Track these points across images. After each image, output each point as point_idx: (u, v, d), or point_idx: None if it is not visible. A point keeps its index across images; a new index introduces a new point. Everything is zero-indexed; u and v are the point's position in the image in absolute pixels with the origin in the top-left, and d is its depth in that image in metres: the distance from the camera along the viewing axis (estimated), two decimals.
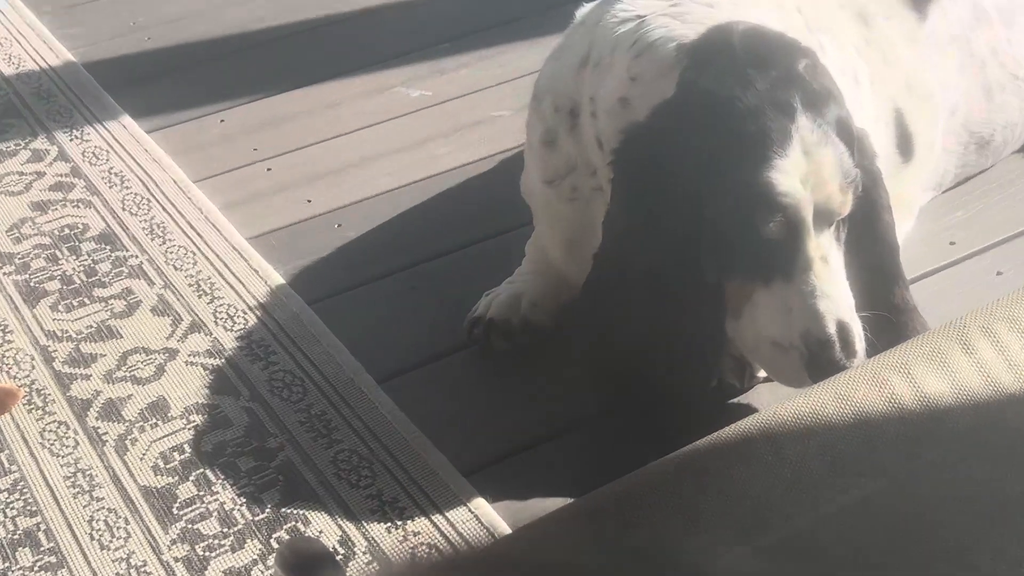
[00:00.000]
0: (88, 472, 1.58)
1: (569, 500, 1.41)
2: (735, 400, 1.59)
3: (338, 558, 1.43)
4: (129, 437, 1.63)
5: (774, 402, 1.27)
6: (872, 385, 1.23)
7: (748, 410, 1.45)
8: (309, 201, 2.12)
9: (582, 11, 1.72)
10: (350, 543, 1.45)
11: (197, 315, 1.85)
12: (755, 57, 1.41)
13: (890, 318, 1.53)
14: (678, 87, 1.44)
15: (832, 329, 1.41)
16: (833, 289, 1.42)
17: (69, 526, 1.50)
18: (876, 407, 1.20)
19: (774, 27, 1.48)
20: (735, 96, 1.39)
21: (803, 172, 1.38)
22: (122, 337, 1.81)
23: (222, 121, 2.38)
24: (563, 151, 1.63)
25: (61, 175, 2.21)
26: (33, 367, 1.75)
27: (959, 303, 1.65)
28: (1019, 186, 2.00)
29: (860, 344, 1.43)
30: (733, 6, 1.51)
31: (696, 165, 1.41)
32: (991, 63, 1.91)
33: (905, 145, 1.81)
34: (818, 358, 1.40)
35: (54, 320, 1.85)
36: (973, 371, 1.24)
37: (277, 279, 1.92)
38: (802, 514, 1.12)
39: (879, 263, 1.55)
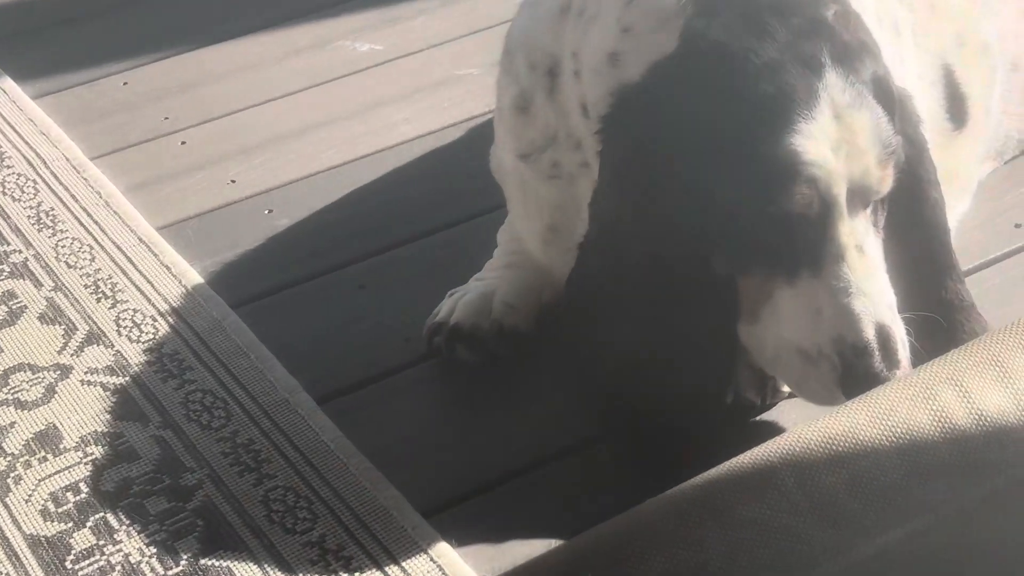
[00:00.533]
0: None
1: (551, 544, 1.41)
2: (754, 420, 1.60)
3: None
4: (12, 475, 1.62)
5: (801, 422, 1.27)
6: (918, 402, 1.23)
7: (770, 432, 1.45)
8: (233, 181, 2.13)
9: None
10: None
11: (95, 323, 1.84)
12: (774, 2, 1.42)
13: (940, 319, 1.54)
14: (681, 39, 1.44)
15: (870, 334, 1.41)
16: (871, 285, 1.42)
17: None
18: (923, 428, 1.21)
19: None
20: (750, 49, 1.39)
21: (834, 139, 1.38)
22: (2, 351, 1.80)
23: (125, 84, 2.38)
24: (540, 119, 1.64)
25: None
26: None
27: None
28: None
29: (904, 352, 1.43)
30: None
31: (703, 134, 1.41)
32: None
33: (957, 109, 1.83)
34: (853, 369, 1.40)
35: None
36: None
37: (195, 278, 1.91)
38: (832, 560, 1.13)
39: (926, 252, 1.56)
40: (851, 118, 1.39)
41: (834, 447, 1.19)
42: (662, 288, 1.48)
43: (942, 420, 1.22)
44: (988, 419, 1.22)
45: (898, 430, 1.21)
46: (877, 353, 1.40)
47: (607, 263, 1.53)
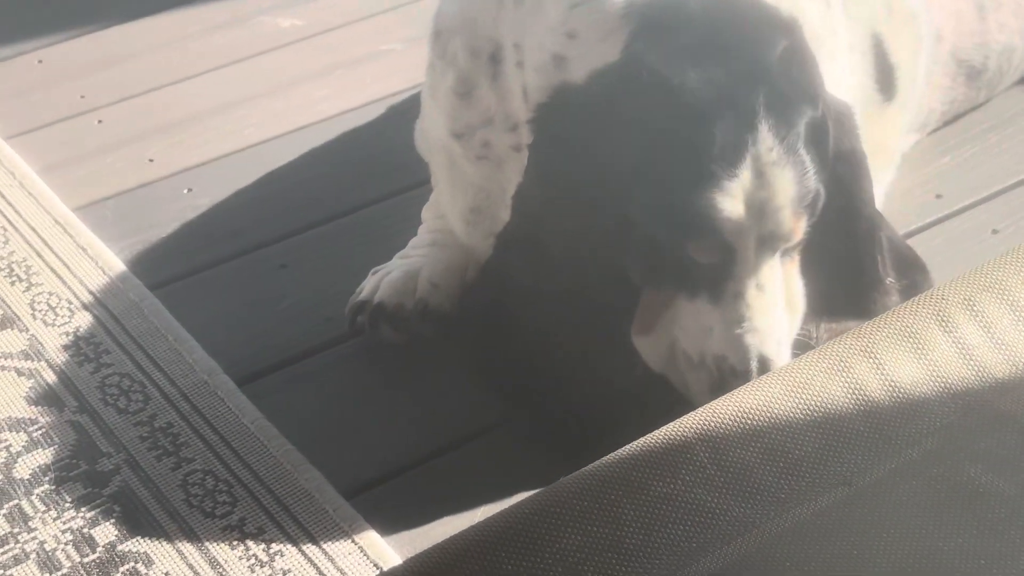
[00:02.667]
0: None
1: (472, 522, 1.41)
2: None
3: None
4: None
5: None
6: (832, 374, 1.25)
7: (685, 407, 1.47)
8: (151, 160, 2.11)
9: None
10: None
11: (9, 307, 1.83)
12: (719, 34, 1.43)
13: None
14: (623, 54, 1.45)
15: (752, 365, 1.45)
16: (763, 321, 1.46)
17: None
18: (837, 400, 1.22)
19: None
20: (687, 86, 1.39)
21: (752, 196, 1.40)
22: None
23: (40, 62, 2.36)
24: (481, 103, 1.64)
25: None
26: None
27: (946, 269, 1.67)
28: (1018, 125, 2.05)
29: None
30: None
31: (633, 154, 1.43)
32: None
33: (886, 80, 1.83)
34: (728, 385, 1.43)
35: None
36: (953, 353, 1.27)
37: (112, 259, 1.90)
38: (747, 532, 1.14)
39: (857, 265, 1.58)
40: (773, 176, 1.40)
41: (748, 421, 1.20)
42: (576, 286, 1.51)
43: (856, 392, 1.23)
44: (902, 390, 1.24)
45: (812, 402, 1.22)
46: (750, 379, 1.42)
47: (523, 257, 1.56)
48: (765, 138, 1.39)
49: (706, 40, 1.42)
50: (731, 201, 1.39)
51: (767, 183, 1.40)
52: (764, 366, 1.44)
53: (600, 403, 1.54)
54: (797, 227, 1.44)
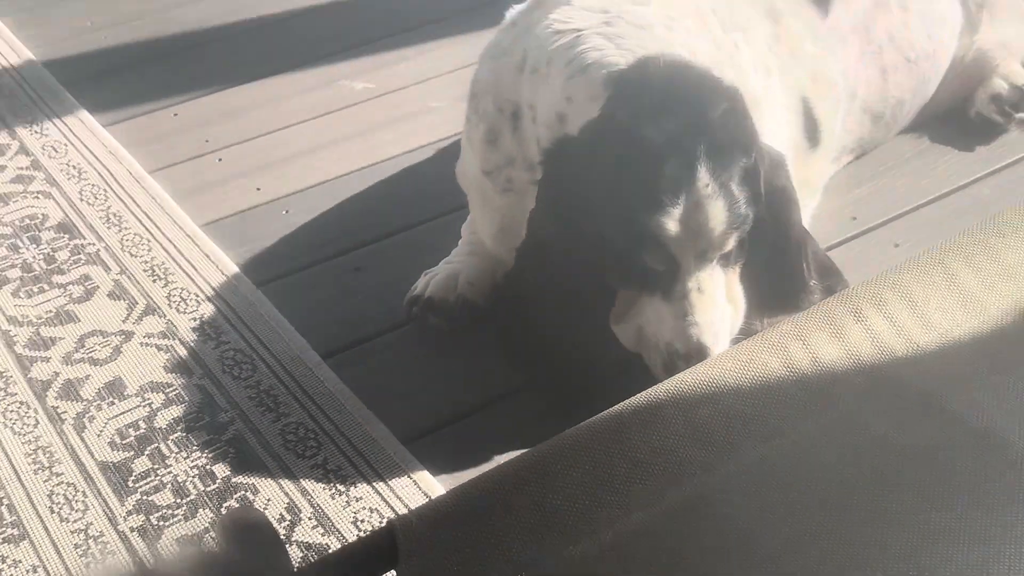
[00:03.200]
0: (48, 449, 1.56)
1: (500, 463, 1.41)
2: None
3: (284, 524, 1.43)
4: (87, 415, 1.61)
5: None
6: (772, 352, 1.24)
7: (655, 378, 1.46)
8: (258, 189, 2.10)
9: (512, 13, 1.71)
10: (296, 510, 1.45)
11: (152, 299, 1.82)
12: (673, 98, 1.42)
13: None
14: (600, 113, 1.44)
15: (692, 350, 1.45)
16: (703, 317, 1.45)
17: (30, 500, 1.48)
18: (775, 372, 1.21)
19: (701, 58, 1.47)
20: (644, 138, 1.39)
21: (690, 219, 1.40)
22: (80, 321, 1.79)
23: (175, 115, 2.35)
24: (505, 148, 1.63)
25: (22, 168, 2.17)
26: None
27: (858, 274, 1.65)
28: (914, 164, 2.03)
29: None
30: (664, 29, 1.50)
31: (606, 190, 1.43)
32: (888, 47, 1.93)
33: (812, 132, 1.82)
34: (672, 367, 1.44)
35: (15, 306, 1.82)
36: (864, 337, 1.26)
37: (228, 264, 1.90)
38: (706, 473, 1.13)
39: (789, 274, 1.57)
40: (708, 205, 1.39)
41: (708, 387, 1.19)
42: (571, 287, 1.51)
43: (789, 366, 1.22)
44: (824, 365, 1.23)
45: (756, 373, 1.21)
46: (692, 361, 1.43)
47: (535, 265, 1.55)
48: (703, 177, 1.38)
49: (663, 102, 1.41)
50: (674, 224, 1.39)
51: (703, 210, 1.39)
52: (701, 352, 1.43)
53: (590, 373, 1.54)
54: (727, 243, 1.44)
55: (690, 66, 1.45)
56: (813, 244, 1.63)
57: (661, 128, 1.39)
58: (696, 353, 1.43)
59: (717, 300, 1.47)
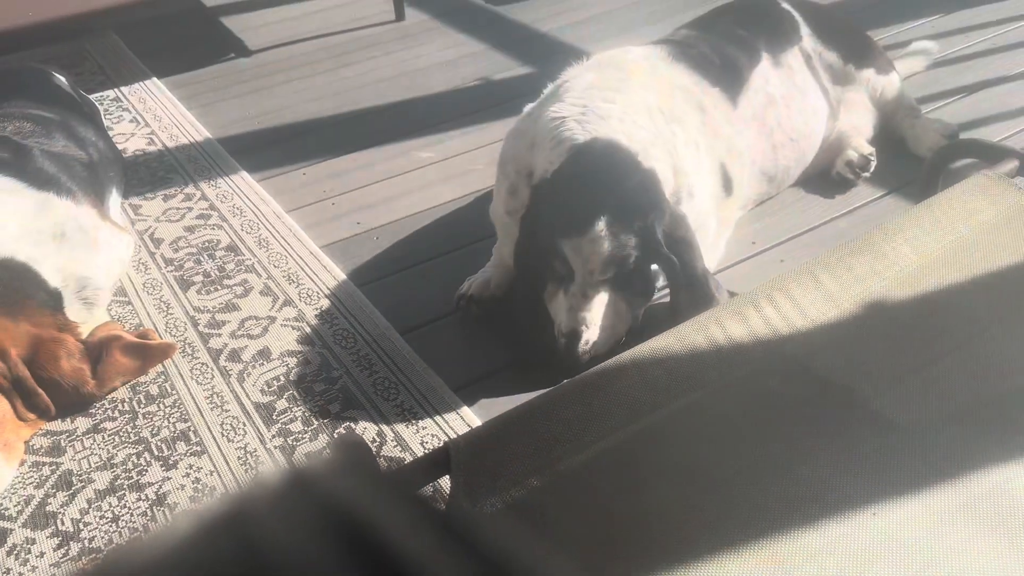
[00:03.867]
0: (220, 394, 1.59)
1: (519, 403, 1.43)
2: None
3: (375, 444, 1.46)
4: (246, 372, 1.64)
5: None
6: (698, 331, 1.26)
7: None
8: (358, 223, 2.11)
9: (528, 107, 1.74)
10: (383, 435, 1.47)
11: (288, 296, 1.85)
12: (600, 169, 1.44)
13: None
14: (557, 168, 1.48)
15: (566, 330, 1.46)
16: (581, 312, 1.46)
17: (208, 428, 1.52)
18: (699, 344, 1.23)
19: (636, 142, 1.48)
20: (572, 190, 1.42)
21: (583, 248, 1.42)
22: (241, 310, 1.81)
23: (304, 174, 2.36)
24: (520, 197, 1.64)
25: (203, 209, 2.20)
26: (185, 329, 1.76)
27: (757, 280, 1.65)
28: (793, 208, 2.02)
29: (586, 347, 1.48)
30: (619, 120, 1.52)
31: (548, 217, 1.46)
32: (777, 130, 1.93)
33: (728, 185, 1.82)
34: (559, 342, 1.46)
35: (198, 300, 1.85)
36: (760, 321, 1.28)
37: (339, 272, 1.92)
38: (654, 411, 1.15)
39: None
40: (597, 244, 1.41)
41: (657, 353, 1.21)
42: (535, 284, 1.54)
43: (710, 340, 1.24)
44: (734, 340, 1.24)
45: (689, 345, 1.23)
46: (572, 341, 1.44)
47: (521, 271, 1.58)
48: (599, 224, 1.39)
49: (591, 170, 1.43)
50: (572, 249, 1.41)
51: (594, 245, 1.40)
52: (573, 332, 1.44)
53: (546, 339, 1.54)
54: (607, 271, 1.44)
55: (621, 147, 1.46)
56: (712, 278, 1.60)
57: (584, 187, 1.41)
58: (569, 333, 1.44)
59: (595, 306, 1.47)
